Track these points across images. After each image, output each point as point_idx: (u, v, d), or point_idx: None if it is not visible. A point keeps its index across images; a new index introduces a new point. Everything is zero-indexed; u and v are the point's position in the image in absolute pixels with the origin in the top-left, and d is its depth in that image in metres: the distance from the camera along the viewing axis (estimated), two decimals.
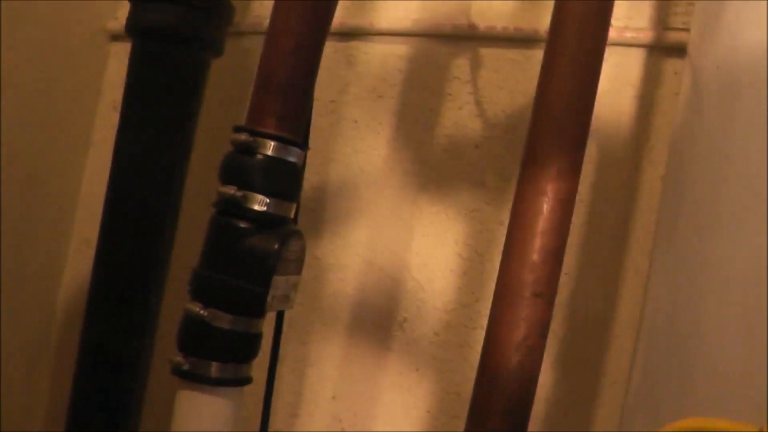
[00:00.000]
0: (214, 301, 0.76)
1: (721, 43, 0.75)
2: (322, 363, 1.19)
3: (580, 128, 0.79)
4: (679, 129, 0.81)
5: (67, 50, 1.29)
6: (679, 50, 1.02)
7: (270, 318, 0.84)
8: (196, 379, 0.77)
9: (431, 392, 1.12)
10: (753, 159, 0.66)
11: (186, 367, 0.77)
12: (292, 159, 0.79)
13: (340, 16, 1.22)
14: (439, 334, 1.13)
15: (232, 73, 1.25)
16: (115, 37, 1.34)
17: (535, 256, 0.76)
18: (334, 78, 1.22)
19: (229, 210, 0.77)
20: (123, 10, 1.15)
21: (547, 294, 0.76)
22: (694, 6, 0.93)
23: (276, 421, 1.17)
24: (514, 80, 1.12)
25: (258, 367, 0.84)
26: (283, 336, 0.93)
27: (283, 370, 1.17)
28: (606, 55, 1.07)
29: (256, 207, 0.76)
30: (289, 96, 0.79)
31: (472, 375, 0.78)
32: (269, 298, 0.75)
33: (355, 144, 1.20)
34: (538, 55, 0.88)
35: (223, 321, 0.77)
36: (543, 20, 1.09)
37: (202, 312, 0.76)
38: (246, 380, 0.81)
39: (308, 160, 1.19)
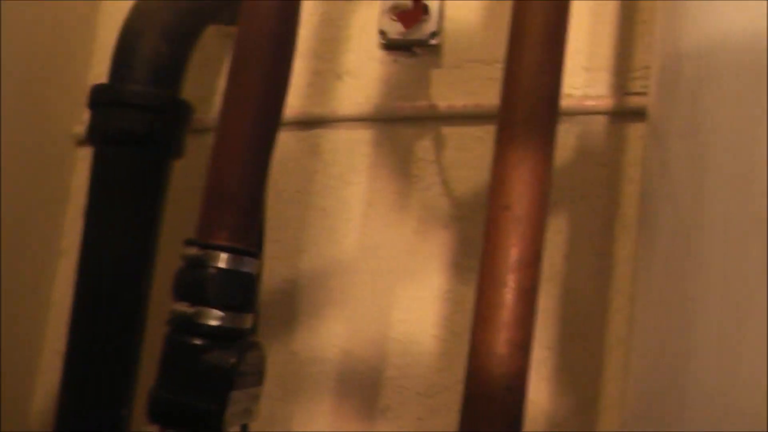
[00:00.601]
0: (171, 423, 0.73)
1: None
2: None
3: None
4: (647, 193, 0.80)
5: (32, 156, 1.27)
6: (641, 114, 1.02)
7: None
8: None
9: None
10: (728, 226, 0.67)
11: None
12: (246, 269, 0.76)
13: (301, 105, 1.22)
14: (423, 419, 1.10)
15: (197, 171, 1.23)
16: (80, 142, 1.33)
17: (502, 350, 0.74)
18: (300, 168, 1.21)
19: (183, 327, 0.74)
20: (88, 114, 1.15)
21: (515, 387, 0.74)
22: (650, 70, 0.93)
23: None
24: (479, 157, 1.11)
25: None
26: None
27: None
28: (568, 126, 1.08)
29: (211, 322, 0.74)
30: (240, 204, 0.77)
31: None
32: (227, 416, 0.72)
33: (324, 233, 1.19)
34: None
35: None
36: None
37: None
38: None
39: (278, 252, 1.19)
